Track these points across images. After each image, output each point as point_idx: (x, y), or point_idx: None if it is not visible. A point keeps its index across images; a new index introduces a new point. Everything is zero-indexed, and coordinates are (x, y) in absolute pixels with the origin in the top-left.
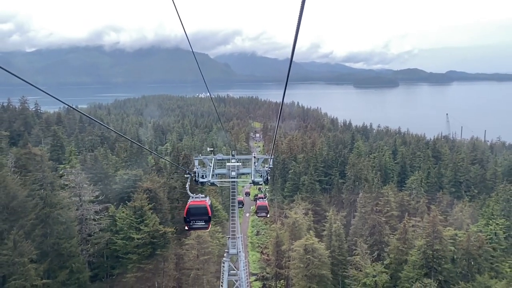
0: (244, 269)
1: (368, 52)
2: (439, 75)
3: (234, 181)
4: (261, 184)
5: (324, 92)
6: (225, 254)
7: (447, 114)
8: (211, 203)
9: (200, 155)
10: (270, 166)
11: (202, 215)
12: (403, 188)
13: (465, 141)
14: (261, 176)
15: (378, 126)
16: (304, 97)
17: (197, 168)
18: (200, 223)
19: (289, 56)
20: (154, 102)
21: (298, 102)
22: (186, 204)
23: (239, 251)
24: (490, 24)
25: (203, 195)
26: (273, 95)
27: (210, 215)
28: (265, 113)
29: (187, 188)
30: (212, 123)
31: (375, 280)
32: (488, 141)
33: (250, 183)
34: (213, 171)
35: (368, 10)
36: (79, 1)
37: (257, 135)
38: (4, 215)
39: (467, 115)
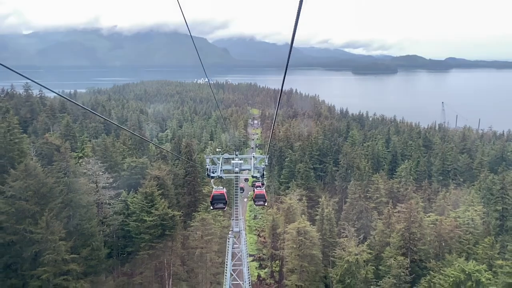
0: (244, 244)
1: (368, 38)
2: (438, 62)
3: (237, 176)
4: (259, 179)
5: (323, 79)
6: (229, 232)
7: (442, 102)
8: (226, 191)
9: (210, 154)
10: (266, 163)
11: (221, 200)
12: (394, 176)
13: (457, 130)
14: (258, 171)
15: (374, 114)
16: (302, 83)
17: (208, 166)
18: (220, 205)
19: (288, 41)
20: (153, 87)
21: (296, 89)
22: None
23: (241, 230)
24: (491, 11)
25: (222, 187)
26: (271, 81)
27: (226, 200)
28: (264, 100)
29: (212, 183)
30: (211, 110)
31: (357, 258)
32: (482, 129)
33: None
34: (221, 167)
35: None
36: None
37: (255, 121)
38: (35, 200)
39: (464, 103)
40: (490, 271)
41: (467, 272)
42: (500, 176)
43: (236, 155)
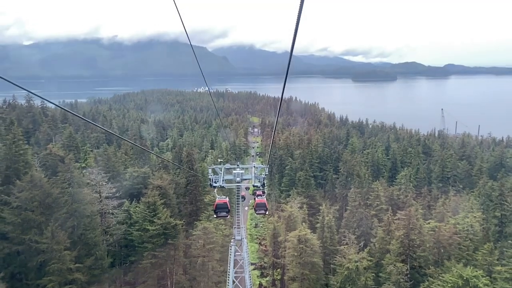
0: (246, 251)
1: (367, 46)
2: (437, 69)
3: (238, 185)
4: (259, 188)
5: (323, 86)
6: (231, 240)
7: (442, 109)
8: (229, 200)
9: (212, 164)
10: (266, 173)
11: (224, 208)
12: (393, 183)
13: (457, 137)
14: (259, 181)
15: (374, 122)
16: (302, 91)
17: (211, 176)
18: (223, 213)
19: (288, 49)
20: (154, 97)
21: (296, 97)
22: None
23: (243, 238)
24: (489, 18)
25: (225, 196)
26: (271, 89)
27: (229, 208)
28: (264, 108)
29: (215, 192)
30: (211, 118)
31: (357, 265)
32: (481, 136)
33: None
34: (223, 177)
35: (368, 3)
36: None
37: (255, 130)
38: (41, 210)
39: (464, 109)
40: (488, 277)
41: (465, 278)
42: (498, 182)
43: (238, 165)
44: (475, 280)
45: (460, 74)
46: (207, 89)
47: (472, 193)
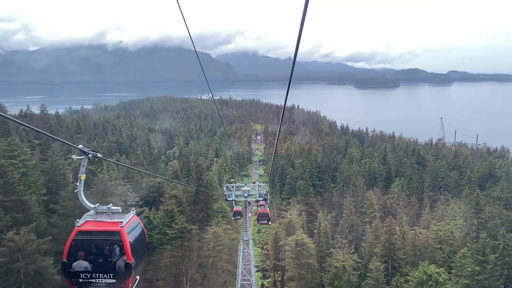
0: (251, 249)
1: (370, 52)
2: (440, 76)
3: (246, 199)
4: (262, 201)
5: (325, 93)
6: (241, 240)
7: (441, 118)
8: (242, 208)
9: (226, 182)
10: (267, 190)
11: (239, 214)
12: (388, 191)
13: (454, 146)
14: (261, 196)
15: (373, 131)
16: (305, 98)
17: (226, 192)
18: (238, 217)
19: (291, 55)
20: (159, 104)
21: (298, 105)
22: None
23: (249, 238)
24: (492, 24)
25: (239, 205)
26: (274, 96)
27: (242, 214)
28: (267, 116)
29: (234, 203)
30: (216, 127)
31: (343, 264)
32: (479, 144)
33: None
34: (234, 193)
35: (371, 9)
36: (83, 0)
37: (258, 137)
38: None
39: (465, 117)
40: (459, 275)
41: (428, 274)
42: (475, 192)
43: (245, 184)
44: (436, 275)
45: (463, 80)
46: (211, 95)
47: (457, 202)
